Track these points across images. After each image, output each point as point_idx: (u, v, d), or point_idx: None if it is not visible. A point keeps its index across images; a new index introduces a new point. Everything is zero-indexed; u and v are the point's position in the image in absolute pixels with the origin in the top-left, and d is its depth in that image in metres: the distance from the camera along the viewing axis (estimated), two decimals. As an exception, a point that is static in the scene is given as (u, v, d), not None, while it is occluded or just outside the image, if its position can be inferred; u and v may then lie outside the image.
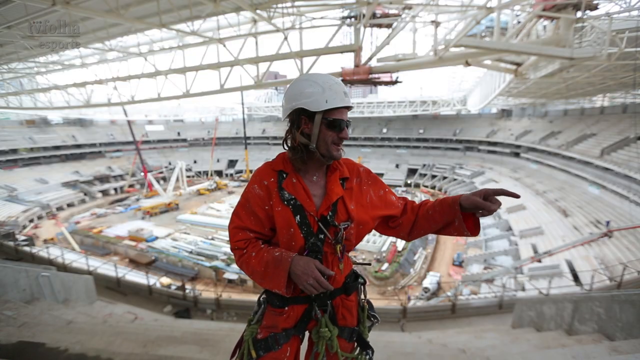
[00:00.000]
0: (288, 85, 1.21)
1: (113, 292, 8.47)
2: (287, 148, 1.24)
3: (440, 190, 41.57)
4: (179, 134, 59.63)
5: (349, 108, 1.21)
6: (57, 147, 45.48)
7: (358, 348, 1.33)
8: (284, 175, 1.22)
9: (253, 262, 1.16)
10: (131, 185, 46.42)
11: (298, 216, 1.17)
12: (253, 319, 1.32)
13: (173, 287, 14.28)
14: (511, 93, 26.35)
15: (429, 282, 19.50)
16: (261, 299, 1.33)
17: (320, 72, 1.19)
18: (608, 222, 17.97)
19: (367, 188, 1.32)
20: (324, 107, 1.13)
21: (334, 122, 1.16)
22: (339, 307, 1.27)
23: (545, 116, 39.94)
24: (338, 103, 1.14)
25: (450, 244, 26.45)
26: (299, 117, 1.18)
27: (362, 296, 1.39)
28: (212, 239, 26.90)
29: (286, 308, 1.23)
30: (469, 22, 8.79)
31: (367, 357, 1.32)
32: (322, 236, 1.19)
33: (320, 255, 1.19)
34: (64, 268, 8.93)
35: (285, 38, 10.75)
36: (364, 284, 1.37)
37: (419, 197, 38.30)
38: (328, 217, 1.19)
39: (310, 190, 1.22)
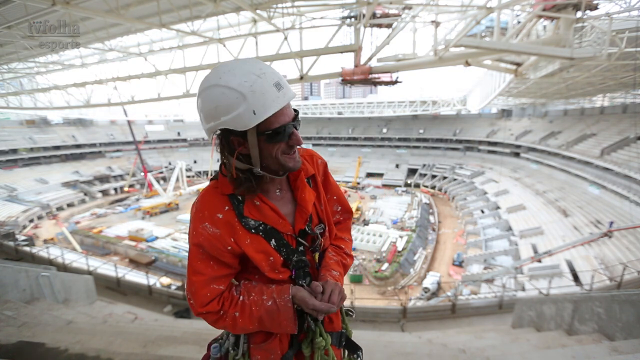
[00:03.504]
0: (198, 91, 0.89)
1: (113, 292, 8.46)
2: (226, 175, 0.96)
3: (440, 190, 41.59)
4: (179, 134, 59.61)
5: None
6: (57, 147, 45.49)
7: (346, 352, 1.21)
8: (240, 199, 0.97)
9: (241, 322, 0.96)
10: (131, 185, 46.41)
11: (273, 240, 0.99)
12: (236, 353, 1.07)
13: (173, 287, 14.26)
14: (511, 93, 26.36)
15: (429, 282, 19.50)
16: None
17: (234, 63, 0.86)
18: (611, 223, 17.93)
19: (322, 182, 1.17)
20: (254, 123, 0.83)
21: (276, 132, 0.88)
22: None
23: (545, 116, 39.95)
24: (271, 108, 0.84)
25: (450, 244, 26.46)
26: (227, 140, 0.90)
27: None
28: (212, 239, 26.90)
29: None
30: (469, 22, 8.79)
31: (359, 359, 1.20)
32: (301, 248, 1.05)
33: (307, 269, 1.06)
34: (64, 268, 8.93)
35: (285, 38, 10.75)
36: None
37: (419, 197, 38.32)
38: (306, 229, 1.05)
39: (280, 209, 1.01)
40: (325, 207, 1.12)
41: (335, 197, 1.21)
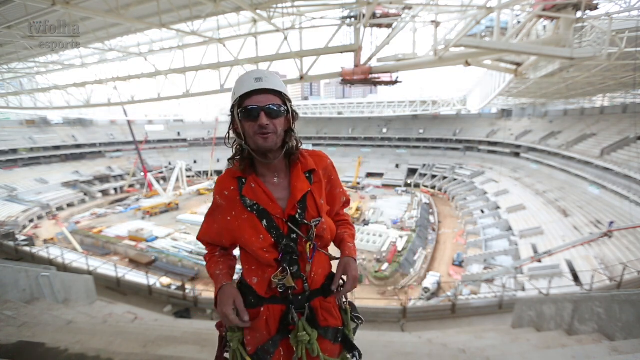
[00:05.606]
0: None
1: (113, 292, 8.46)
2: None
3: (440, 190, 41.58)
4: (179, 134, 59.59)
5: (273, 92, 1.09)
6: (57, 147, 45.44)
7: (345, 351, 1.26)
8: (243, 181, 1.17)
9: (207, 266, 1.29)
10: (131, 185, 46.40)
11: (264, 220, 1.13)
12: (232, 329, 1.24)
13: (173, 287, 14.28)
14: (511, 93, 26.37)
15: (429, 282, 19.50)
16: None
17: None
18: (611, 223, 17.92)
19: (327, 181, 1.29)
20: (233, 101, 1.11)
21: (246, 111, 1.08)
22: (317, 309, 1.19)
23: (545, 116, 39.94)
24: (243, 90, 1.08)
25: (450, 244, 26.47)
26: (232, 121, 1.15)
27: (344, 299, 1.30)
28: (212, 239, 26.89)
29: (262, 309, 1.16)
30: (469, 22, 8.79)
31: (355, 359, 1.25)
32: (294, 236, 1.14)
33: (295, 256, 1.14)
34: (64, 268, 8.93)
35: (285, 38, 10.75)
36: (343, 285, 1.21)
37: (419, 197, 38.31)
38: (297, 216, 1.14)
39: (273, 193, 1.16)
40: (324, 202, 1.24)
41: (340, 190, 1.37)
